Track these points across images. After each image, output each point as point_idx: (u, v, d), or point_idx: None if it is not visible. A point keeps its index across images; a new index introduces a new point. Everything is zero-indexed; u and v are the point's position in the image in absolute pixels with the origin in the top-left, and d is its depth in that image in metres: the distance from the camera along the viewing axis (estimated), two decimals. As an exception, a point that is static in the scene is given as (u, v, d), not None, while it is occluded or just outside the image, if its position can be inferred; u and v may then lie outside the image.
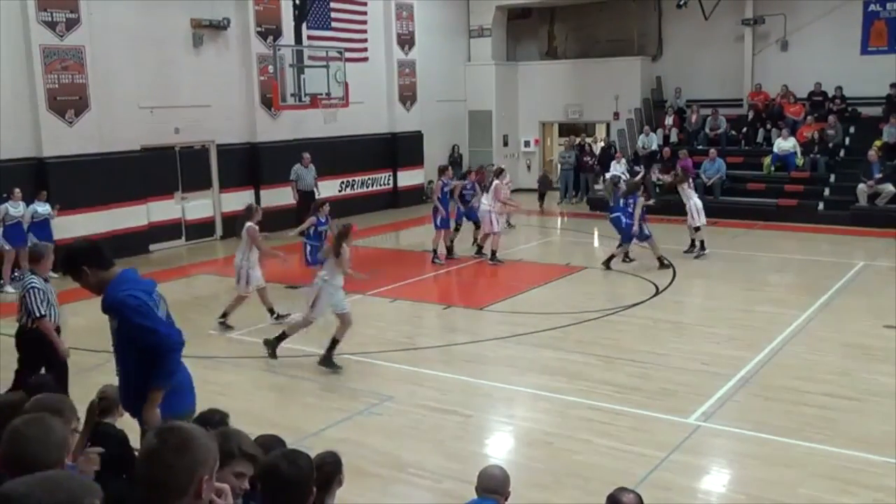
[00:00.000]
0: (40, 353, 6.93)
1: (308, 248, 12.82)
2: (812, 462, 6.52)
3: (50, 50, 14.24)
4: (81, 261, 4.48)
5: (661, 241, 14.00)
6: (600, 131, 25.98)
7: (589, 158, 22.65)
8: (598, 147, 24.41)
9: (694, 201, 14.43)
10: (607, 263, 13.70)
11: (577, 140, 24.14)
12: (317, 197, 17.66)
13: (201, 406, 4.32)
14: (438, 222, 14.60)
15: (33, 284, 6.97)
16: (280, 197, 17.96)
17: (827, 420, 7.32)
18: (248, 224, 10.31)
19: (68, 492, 1.95)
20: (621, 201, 13.89)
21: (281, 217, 17.37)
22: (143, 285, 4.61)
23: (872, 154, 17.62)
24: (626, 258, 14.04)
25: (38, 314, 6.89)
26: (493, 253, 14.44)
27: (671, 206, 16.24)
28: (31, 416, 2.73)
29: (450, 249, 15.03)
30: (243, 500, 2.94)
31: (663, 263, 13.58)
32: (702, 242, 14.61)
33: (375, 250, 16.48)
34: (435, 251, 14.76)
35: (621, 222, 13.75)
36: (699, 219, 14.40)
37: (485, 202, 14.57)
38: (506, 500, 4.20)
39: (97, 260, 4.53)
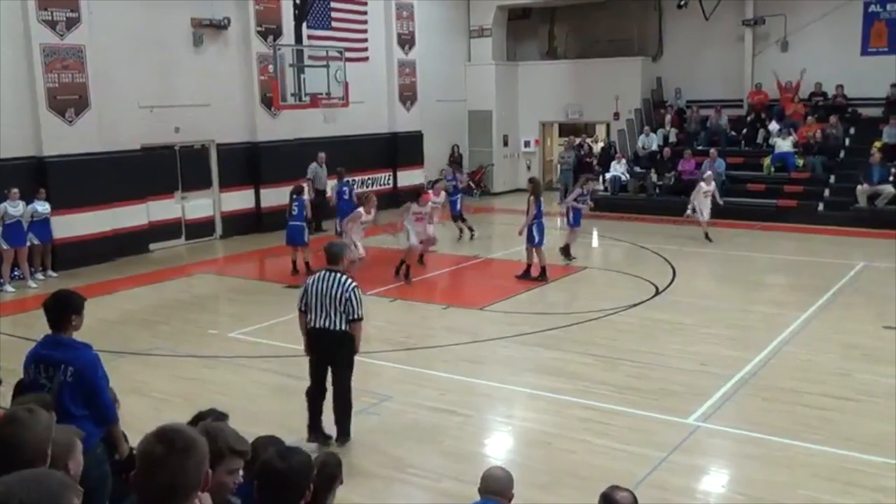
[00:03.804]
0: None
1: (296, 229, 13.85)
2: (811, 463, 6.52)
3: (50, 49, 14.23)
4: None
5: (660, 242, 13.98)
6: (600, 132, 26.00)
7: (589, 159, 22.64)
8: (597, 147, 24.42)
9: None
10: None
11: (577, 140, 24.15)
12: (327, 196, 17.73)
13: (201, 405, 4.32)
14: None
15: (356, 285, 6.66)
16: (280, 196, 17.94)
17: (826, 420, 7.33)
18: None
19: (48, 489, 1.97)
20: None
21: (281, 216, 17.38)
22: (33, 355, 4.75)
23: (875, 157, 17.56)
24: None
25: (360, 315, 6.63)
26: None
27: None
28: (4, 420, 2.69)
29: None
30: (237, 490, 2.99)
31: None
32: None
33: (375, 249, 16.47)
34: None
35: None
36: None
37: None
38: (509, 502, 4.21)
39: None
